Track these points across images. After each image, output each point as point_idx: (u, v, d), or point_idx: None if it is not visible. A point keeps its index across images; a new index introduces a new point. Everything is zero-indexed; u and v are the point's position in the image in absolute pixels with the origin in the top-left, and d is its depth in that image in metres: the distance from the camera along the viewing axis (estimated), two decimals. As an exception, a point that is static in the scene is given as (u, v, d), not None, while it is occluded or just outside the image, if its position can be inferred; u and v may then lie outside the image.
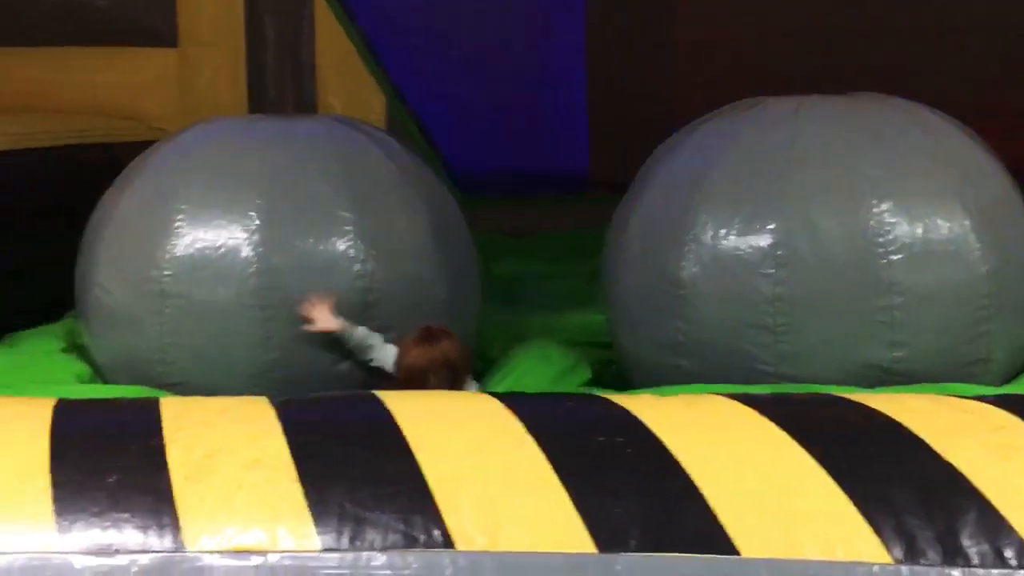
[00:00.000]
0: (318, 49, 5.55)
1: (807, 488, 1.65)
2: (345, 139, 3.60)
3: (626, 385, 3.31)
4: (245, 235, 3.30)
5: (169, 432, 1.75)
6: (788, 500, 1.64)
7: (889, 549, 1.58)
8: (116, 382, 3.41)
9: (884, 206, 3.07)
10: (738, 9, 5.50)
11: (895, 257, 3.04)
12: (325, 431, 1.80)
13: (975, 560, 1.58)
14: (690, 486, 1.64)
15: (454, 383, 2.82)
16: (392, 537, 1.59)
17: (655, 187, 3.36)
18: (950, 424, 1.79)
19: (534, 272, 5.06)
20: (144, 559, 1.57)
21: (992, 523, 1.61)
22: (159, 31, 5.46)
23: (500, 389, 3.27)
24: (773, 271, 3.06)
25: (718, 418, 1.85)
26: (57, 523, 1.59)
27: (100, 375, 3.51)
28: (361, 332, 3.22)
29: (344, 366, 3.28)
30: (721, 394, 1.99)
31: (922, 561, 1.57)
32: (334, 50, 5.61)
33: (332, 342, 3.27)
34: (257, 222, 3.31)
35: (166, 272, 3.31)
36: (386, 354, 3.13)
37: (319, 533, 1.59)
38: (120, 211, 3.48)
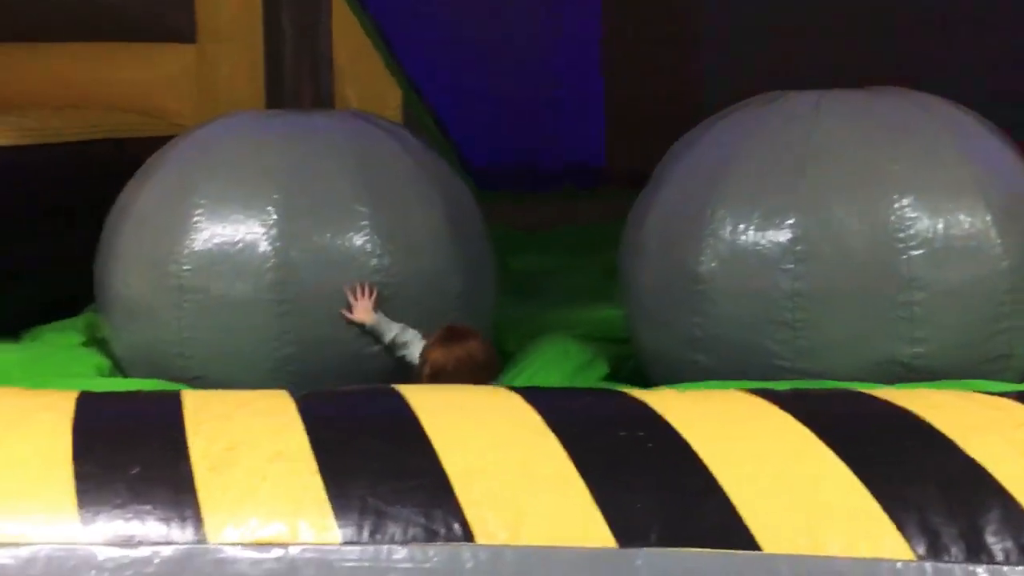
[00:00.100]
0: (335, 44, 5.56)
1: (829, 484, 1.64)
2: (362, 134, 3.61)
3: (643, 381, 3.30)
4: (263, 230, 3.31)
5: (191, 425, 1.76)
6: (810, 496, 1.63)
7: (912, 546, 1.57)
8: (135, 376, 3.43)
9: (905, 201, 3.05)
10: (759, 1, 5.47)
11: (915, 252, 3.02)
12: (346, 425, 1.80)
13: (999, 557, 1.57)
14: (711, 481, 1.64)
15: (479, 384, 2.80)
16: (413, 530, 1.59)
17: (673, 182, 3.35)
18: (974, 420, 1.78)
19: (550, 267, 5.05)
20: (166, 551, 1.58)
21: (1016, 519, 1.60)
22: (177, 27, 5.49)
23: (518, 383, 3.27)
24: (792, 266, 3.04)
25: (739, 413, 1.84)
26: (80, 514, 1.60)
27: (120, 369, 3.54)
28: (395, 329, 3.22)
29: (361, 360, 3.29)
30: (742, 390, 1.98)
31: (945, 558, 1.56)
32: (351, 45, 5.62)
33: (354, 336, 3.28)
34: (275, 217, 3.32)
35: (185, 267, 3.33)
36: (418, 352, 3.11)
37: (340, 526, 1.60)
38: (139, 206, 3.50)
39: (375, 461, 1.68)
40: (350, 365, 3.27)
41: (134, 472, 1.65)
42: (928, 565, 1.56)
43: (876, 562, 1.56)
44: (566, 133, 5.83)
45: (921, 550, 1.57)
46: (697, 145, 3.39)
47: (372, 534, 1.59)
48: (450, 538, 1.59)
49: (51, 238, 4.28)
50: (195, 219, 3.35)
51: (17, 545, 1.58)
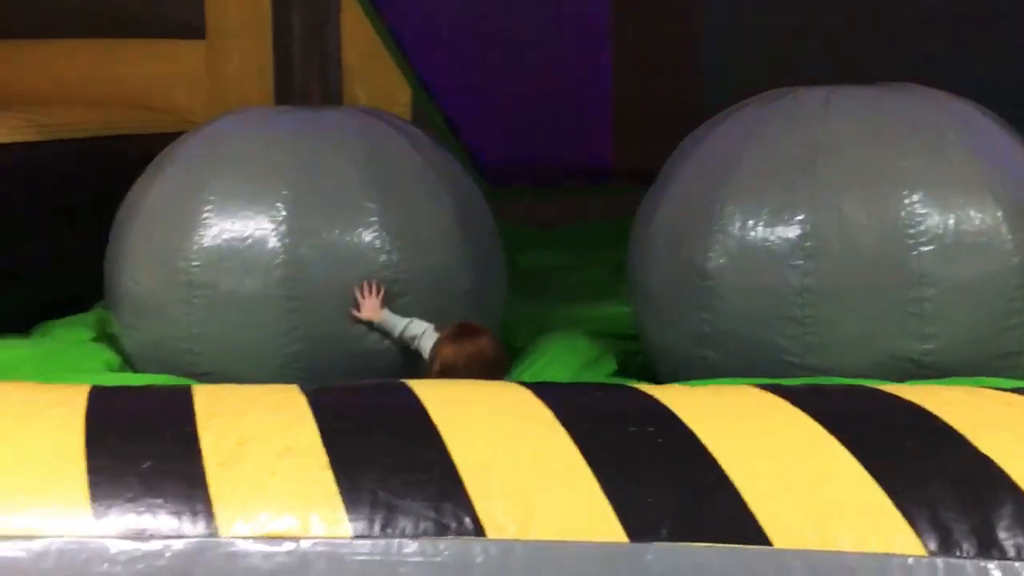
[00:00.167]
0: (344, 41, 5.57)
1: (840, 479, 1.64)
2: (371, 130, 3.61)
3: (651, 377, 3.30)
4: (272, 226, 3.32)
5: (202, 419, 1.76)
6: (821, 491, 1.63)
7: (924, 541, 1.57)
8: (145, 371, 3.45)
9: (915, 197, 3.04)
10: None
11: (926, 248, 3.01)
12: (356, 419, 1.80)
13: (1011, 553, 1.57)
14: (722, 476, 1.63)
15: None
16: (424, 524, 1.59)
17: (682, 178, 3.35)
18: (986, 416, 1.78)
19: (559, 264, 5.06)
20: (178, 544, 1.58)
21: (1029, 516, 1.59)
22: (187, 23, 5.51)
23: (526, 378, 3.27)
24: (802, 262, 3.04)
25: (750, 408, 1.84)
26: (93, 508, 1.61)
27: (129, 364, 3.55)
28: (403, 323, 3.23)
29: (370, 357, 3.30)
30: (752, 385, 1.98)
31: (957, 553, 1.56)
32: (360, 42, 5.63)
33: (363, 332, 3.29)
34: (284, 213, 3.33)
35: (194, 263, 3.34)
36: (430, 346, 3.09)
37: (351, 520, 1.60)
38: (148, 202, 3.51)
39: (385, 455, 1.69)
40: (359, 361, 3.28)
41: (146, 466, 1.65)
42: (940, 561, 1.56)
43: (887, 557, 1.56)
44: (574, 130, 5.83)
45: (933, 546, 1.57)
46: (706, 142, 3.39)
47: (383, 528, 1.59)
48: (461, 532, 1.59)
49: (59, 235, 4.30)
50: (204, 215, 3.36)
51: (29, 538, 1.59)
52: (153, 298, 3.42)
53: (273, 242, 3.31)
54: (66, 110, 4.89)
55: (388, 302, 3.30)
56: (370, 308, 3.25)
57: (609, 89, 5.80)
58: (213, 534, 1.59)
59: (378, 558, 1.58)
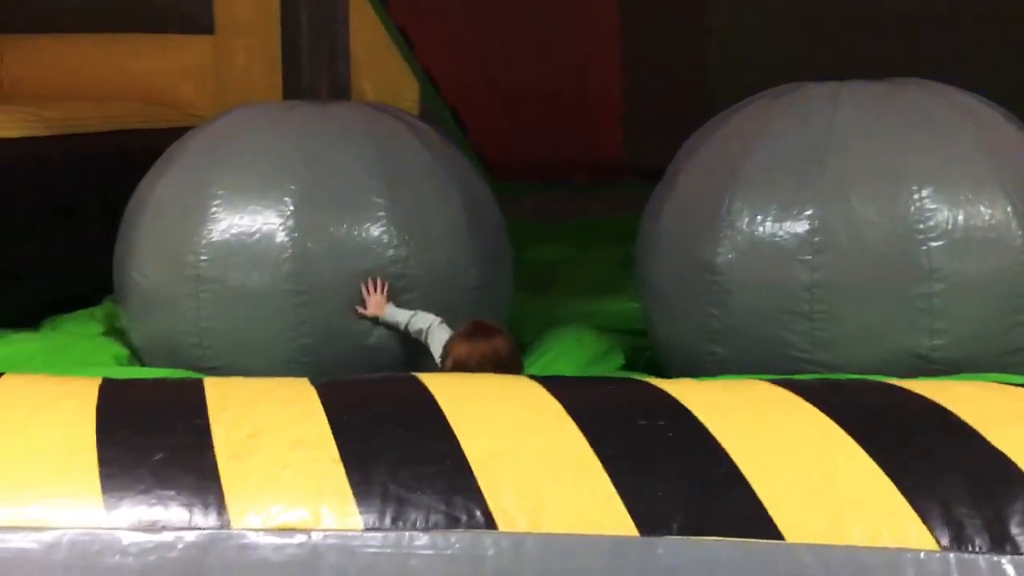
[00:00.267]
0: (352, 36, 5.56)
1: (852, 474, 1.63)
2: (379, 125, 3.61)
3: (659, 372, 3.30)
4: (280, 220, 3.32)
5: (213, 412, 1.77)
6: (833, 486, 1.62)
7: (936, 536, 1.56)
8: (153, 365, 3.45)
9: (924, 192, 3.03)
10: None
11: (935, 244, 3.00)
12: (366, 412, 1.81)
13: (1024, 548, 1.56)
14: (733, 470, 1.63)
15: None
16: (434, 517, 1.59)
17: (691, 173, 3.34)
18: (999, 411, 1.77)
19: (566, 259, 5.05)
20: (190, 536, 1.58)
21: (1041, 511, 1.59)
22: (196, 18, 5.51)
23: (533, 371, 3.27)
24: (810, 257, 3.03)
25: (761, 403, 1.83)
26: (105, 500, 1.61)
27: (138, 358, 3.56)
28: (407, 317, 3.23)
29: (377, 351, 3.30)
30: (764, 380, 1.98)
31: (970, 548, 1.55)
32: (368, 37, 5.63)
33: (370, 327, 3.29)
34: (292, 207, 3.33)
35: (202, 257, 3.34)
36: (438, 340, 3.08)
37: (362, 513, 1.60)
38: (157, 196, 3.51)
39: (396, 448, 1.69)
40: (366, 356, 3.28)
41: (158, 458, 1.66)
42: (952, 556, 1.55)
43: (899, 552, 1.55)
44: (583, 126, 5.82)
45: (945, 541, 1.56)
46: (715, 137, 3.38)
47: (394, 520, 1.60)
48: (471, 525, 1.59)
49: (67, 230, 4.30)
50: (212, 210, 3.36)
51: (41, 529, 1.59)
52: (161, 292, 3.42)
53: (281, 237, 3.31)
54: (74, 105, 4.90)
55: (394, 297, 3.30)
56: (375, 304, 3.25)
57: (618, 84, 5.79)
58: (225, 526, 1.59)
59: (389, 551, 1.58)
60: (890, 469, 1.63)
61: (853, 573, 1.55)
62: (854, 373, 2.85)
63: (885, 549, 1.56)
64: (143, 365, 3.50)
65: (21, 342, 3.63)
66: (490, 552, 1.57)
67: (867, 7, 5.41)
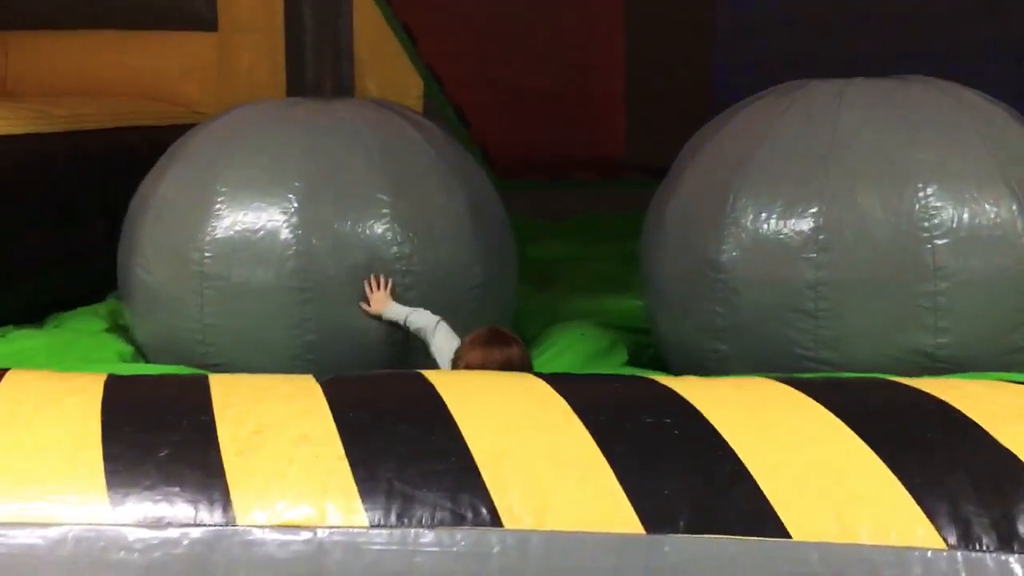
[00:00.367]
0: (356, 33, 5.57)
1: (859, 472, 1.63)
2: (383, 122, 3.61)
3: (663, 369, 3.30)
4: (284, 217, 3.32)
5: (219, 408, 1.76)
6: (840, 484, 1.62)
7: (943, 535, 1.56)
8: (157, 361, 3.45)
9: (929, 190, 3.02)
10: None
11: (940, 242, 2.99)
12: (372, 408, 1.80)
13: (1031, 546, 1.55)
14: (740, 468, 1.63)
15: None
16: (440, 514, 1.59)
17: (695, 170, 3.34)
18: (1007, 409, 1.76)
19: (570, 256, 5.05)
20: (195, 532, 1.58)
21: (1049, 509, 1.58)
22: (200, 16, 5.51)
23: (536, 365, 3.26)
24: (815, 255, 3.03)
25: (768, 400, 1.83)
26: (110, 496, 1.61)
27: (142, 354, 3.56)
28: (406, 313, 3.22)
29: (381, 348, 3.30)
30: (770, 377, 1.97)
31: (977, 547, 1.55)
32: (371, 35, 5.63)
33: (375, 324, 3.28)
34: (296, 204, 3.33)
35: (206, 254, 3.34)
36: (441, 344, 3.06)
37: (367, 510, 1.60)
38: (161, 193, 3.52)
39: (401, 445, 1.68)
40: (371, 353, 3.28)
41: (163, 454, 1.66)
42: (959, 554, 1.55)
43: (906, 551, 1.55)
44: (586, 123, 5.82)
45: (952, 539, 1.56)
46: (719, 134, 3.37)
47: (399, 517, 1.59)
48: (477, 522, 1.59)
49: (70, 226, 4.30)
50: (216, 207, 3.36)
51: (47, 525, 1.59)
52: (165, 289, 3.42)
53: (285, 233, 3.31)
54: (78, 102, 4.90)
55: (398, 294, 3.29)
56: (378, 302, 3.25)
57: (621, 82, 5.79)
58: (230, 523, 1.59)
59: (394, 548, 1.57)
60: (897, 467, 1.62)
61: (860, 572, 1.54)
62: (858, 371, 2.85)
63: (892, 548, 1.56)
64: (147, 362, 3.50)
65: (25, 339, 3.63)
66: (496, 550, 1.57)
67: (870, 5, 5.40)
